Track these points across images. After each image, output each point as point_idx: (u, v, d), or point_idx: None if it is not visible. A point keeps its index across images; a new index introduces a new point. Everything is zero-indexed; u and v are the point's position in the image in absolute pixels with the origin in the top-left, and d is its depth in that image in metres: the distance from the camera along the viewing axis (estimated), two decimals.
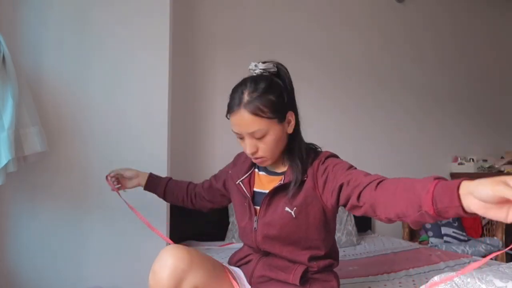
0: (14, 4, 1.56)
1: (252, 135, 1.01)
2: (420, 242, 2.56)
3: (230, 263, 1.21)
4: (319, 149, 1.13)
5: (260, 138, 1.01)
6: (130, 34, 1.72)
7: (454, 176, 3.20)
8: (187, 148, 2.30)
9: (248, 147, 1.03)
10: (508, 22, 3.73)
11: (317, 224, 1.05)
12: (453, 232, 2.56)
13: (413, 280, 1.50)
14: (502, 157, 3.28)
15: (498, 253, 0.74)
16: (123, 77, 1.71)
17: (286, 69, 1.08)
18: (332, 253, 1.13)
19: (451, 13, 3.38)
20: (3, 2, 1.54)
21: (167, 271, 0.92)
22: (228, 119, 1.05)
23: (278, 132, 1.02)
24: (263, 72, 1.05)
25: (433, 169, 3.14)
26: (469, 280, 0.92)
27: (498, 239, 2.44)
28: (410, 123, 3.06)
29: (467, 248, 2.37)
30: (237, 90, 1.03)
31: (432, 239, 2.58)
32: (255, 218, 1.09)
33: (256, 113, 0.98)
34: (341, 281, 1.20)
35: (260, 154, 1.04)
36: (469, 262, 1.79)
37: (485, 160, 3.19)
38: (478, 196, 0.59)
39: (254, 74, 1.06)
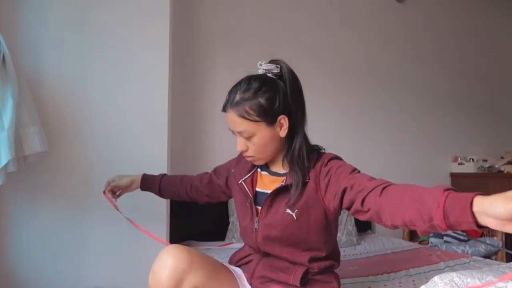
0: (14, 4, 1.56)
1: (240, 134, 1.04)
2: (420, 242, 2.56)
3: (230, 262, 1.21)
4: (323, 151, 1.12)
5: (248, 138, 1.03)
6: (130, 34, 1.72)
7: (454, 176, 3.21)
8: (187, 148, 2.30)
9: (238, 144, 1.06)
10: (508, 22, 3.73)
11: (318, 226, 1.04)
12: (453, 232, 2.56)
13: (413, 280, 1.50)
14: (502, 157, 3.28)
15: None
16: (123, 77, 1.71)
17: (292, 71, 1.06)
18: (333, 255, 1.13)
19: (451, 13, 3.38)
20: (3, 2, 1.54)
21: (167, 271, 0.92)
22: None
23: (266, 134, 1.03)
24: (266, 72, 1.05)
25: (433, 169, 3.15)
26: (469, 280, 0.92)
27: (498, 239, 2.44)
28: (410, 123, 3.06)
29: (467, 248, 2.37)
30: (233, 89, 1.05)
31: (432, 239, 2.58)
32: (256, 219, 1.09)
33: (241, 115, 1.00)
34: (341, 281, 1.20)
35: (250, 153, 1.06)
36: (469, 262, 1.79)
37: (485, 160, 3.19)
38: (492, 215, 0.60)
39: (259, 73, 1.06)
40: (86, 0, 1.67)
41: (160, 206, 1.74)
